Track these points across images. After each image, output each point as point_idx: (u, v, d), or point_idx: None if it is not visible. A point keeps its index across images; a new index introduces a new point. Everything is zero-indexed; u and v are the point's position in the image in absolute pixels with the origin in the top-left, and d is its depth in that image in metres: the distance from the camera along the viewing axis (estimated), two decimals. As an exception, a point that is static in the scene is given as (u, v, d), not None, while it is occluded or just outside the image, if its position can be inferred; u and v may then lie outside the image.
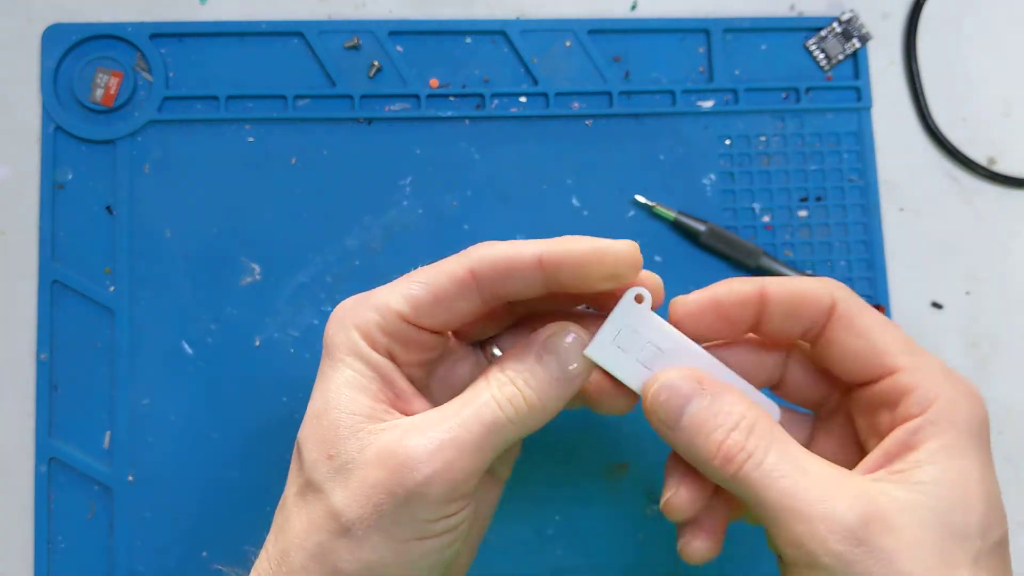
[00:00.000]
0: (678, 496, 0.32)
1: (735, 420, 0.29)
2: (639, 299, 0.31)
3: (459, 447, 0.29)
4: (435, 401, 0.32)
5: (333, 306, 0.45)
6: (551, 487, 0.45)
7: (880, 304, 0.46)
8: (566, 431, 0.45)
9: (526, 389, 0.30)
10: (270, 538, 0.31)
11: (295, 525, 0.30)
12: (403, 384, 0.31)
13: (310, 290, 0.45)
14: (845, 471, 0.29)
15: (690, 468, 0.32)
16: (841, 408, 0.33)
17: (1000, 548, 0.28)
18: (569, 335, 0.31)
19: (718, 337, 0.33)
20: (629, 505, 0.45)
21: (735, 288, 0.31)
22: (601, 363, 0.31)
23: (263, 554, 0.31)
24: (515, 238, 0.46)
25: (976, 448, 0.29)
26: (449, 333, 0.33)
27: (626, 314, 0.31)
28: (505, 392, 0.30)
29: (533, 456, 0.45)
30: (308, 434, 0.30)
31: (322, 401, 0.30)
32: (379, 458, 0.28)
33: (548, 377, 0.30)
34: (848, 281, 0.47)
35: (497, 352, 0.34)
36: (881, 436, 0.30)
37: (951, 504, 0.27)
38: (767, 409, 0.32)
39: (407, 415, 0.31)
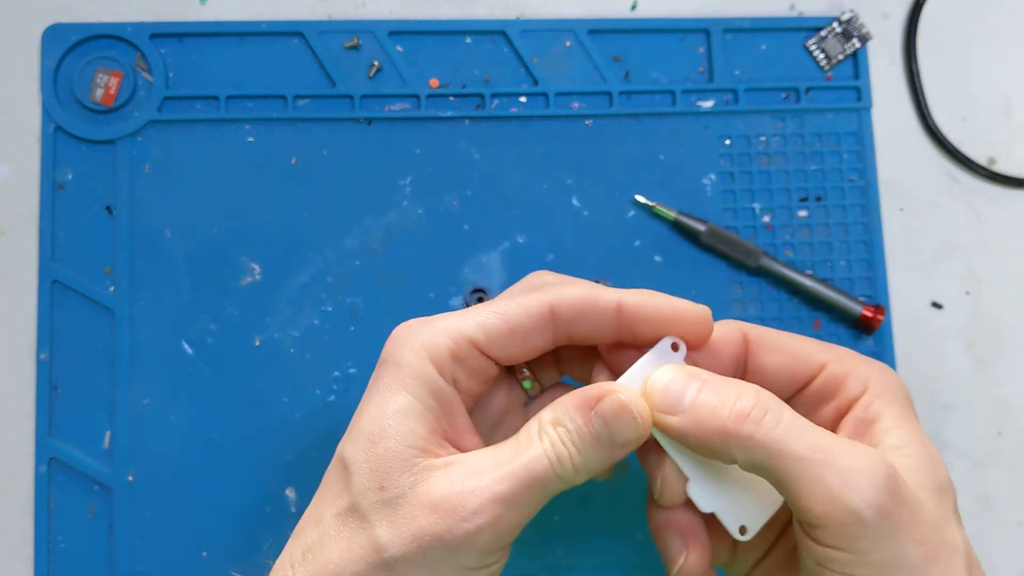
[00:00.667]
0: (689, 563, 0.32)
1: (741, 389, 0.30)
2: (675, 348, 0.32)
3: (509, 501, 0.29)
4: (475, 427, 0.32)
5: (333, 306, 0.45)
6: (551, 487, 0.45)
7: (880, 304, 0.47)
8: (566, 431, 0.45)
9: (575, 452, 0.30)
10: (296, 551, 0.31)
11: (332, 549, 0.29)
12: (460, 415, 0.31)
13: (310, 290, 0.45)
14: (838, 436, 0.29)
15: (691, 526, 0.32)
16: None
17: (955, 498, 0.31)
18: (619, 397, 0.30)
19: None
20: (629, 505, 0.45)
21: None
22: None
23: (287, 568, 0.30)
24: (515, 238, 0.46)
25: (913, 414, 0.32)
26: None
27: (659, 359, 0.32)
28: (558, 451, 0.30)
29: (533, 456, 0.45)
30: (359, 457, 0.30)
31: (378, 425, 0.30)
32: (432, 501, 0.28)
33: (598, 444, 0.30)
34: (848, 281, 0.47)
35: (527, 384, 0.35)
36: (831, 426, 0.32)
37: (926, 462, 0.29)
38: None
39: (459, 449, 0.31)
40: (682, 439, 0.30)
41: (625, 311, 0.31)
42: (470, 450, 0.31)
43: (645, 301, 0.31)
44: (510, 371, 0.35)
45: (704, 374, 0.30)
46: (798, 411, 0.30)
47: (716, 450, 0.30)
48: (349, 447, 0.31)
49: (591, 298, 0.31)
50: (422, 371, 0.30)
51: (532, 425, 0.31)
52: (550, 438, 0.30)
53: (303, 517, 0.32)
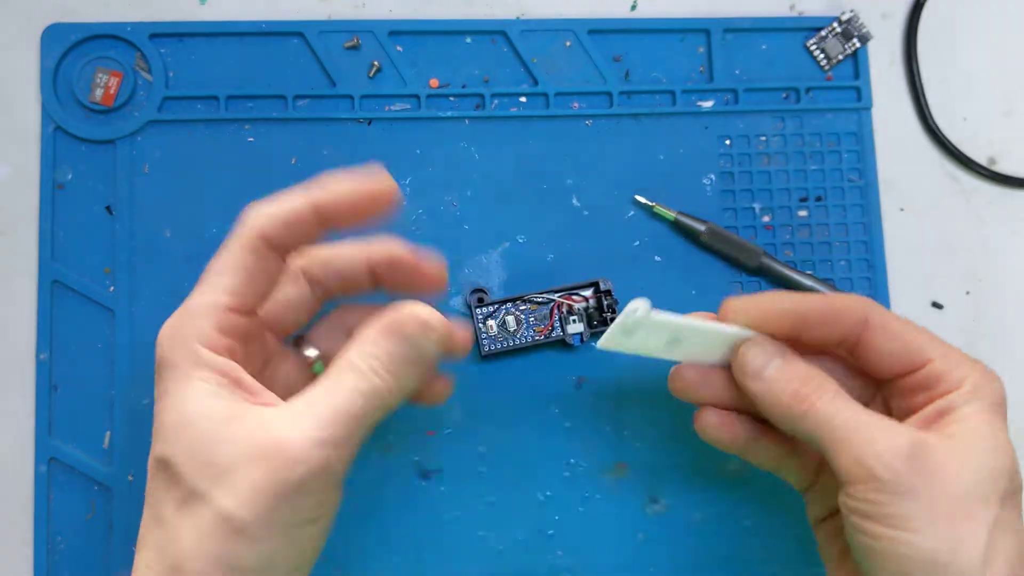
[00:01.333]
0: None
1: (805, 373, 0.35)
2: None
3: (333, 442, 0.30)
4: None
5: (333, 306, 0.45)
6: (551, 487, 0.45)
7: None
8: (566, 431, 0.45)
9: (389, 378, 0.32)
10: (150, 558, 0.31)
11: (184, 537, 0.30)
12: (249, 381, 0.32)
13: (310, 290, 0.45)
14: (894, 419, 0.34)
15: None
16: (876, 396, 0.38)
17: (1019, 495, 0.33)
18: (417, 316, 0.33)
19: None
20: (629, 505, 0.45)
21: (776, 302, 0.37)
22: (621, 349, 0.37)
23: (144, 573, 0.31)
24: (515, 238, 0.46)
25: (1001, 417, 0.34)
26: (270, 334, 0.36)
27: (630, 313, 0.36)
28: (370, 382, 0.32)
29: (533, 456, 0.45)
30: (178, 449, 0.31)
31: (179, 415, 0.31)
32: (262, 457, 0.30)
33: (410, 364, 0.32)
34: (848, 281, 0.47)
35: (311, 352, 0.37)
36: (916, 412, 0.35)
37: (985, 448, 0.32)
38: None
39: (266, 404, 0.32)
40: (757, 401, 0.36)
41: (320, 207, 0.33)
42: (278, 403, 0.32)
43: (331, 190, 0.34)
44: (297, 350, 0.38)
45: (785, 352, 0.36)
46: (895, 394, 0.37)
47: (778, 419, 0.35)
48: (162, 447, 0.31)
49: (290, 206, 0.33)
50: (198, 357, 0.31)
51: (341, 364, 0.32)
52: (360, 371, 0.32)
53: (141, 531, 0.32)
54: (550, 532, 0.44)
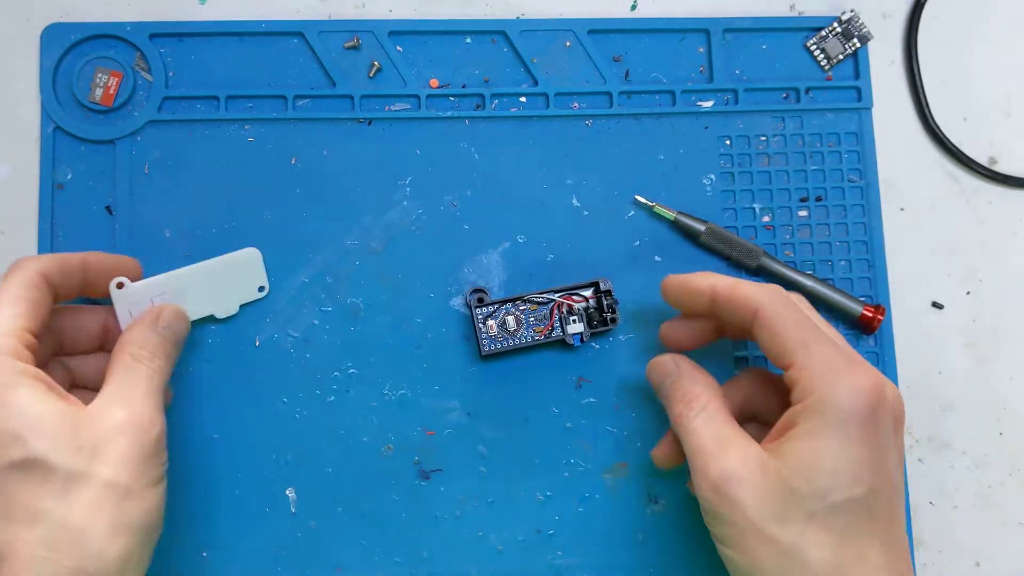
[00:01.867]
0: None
1: (686, 392, 0.39)
2: (120, 286, 0.41)
3: (160, 409, 0.38)
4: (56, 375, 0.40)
5: (334, 306, 0.45)
6: (551, 487, 0.45)
7: (880, 304, 0.46)
8: (566, 431, 0.45)
9: (163, 358, 0.39)
10: (38, 557, 0.33)
11: (75, 516, 0.34)
12: (57, 386, 0.37)
13: (310, 290, 0.45)
14: (745, 438, 0.37)
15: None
16: None
17: (842, 509, 0.34)
18: (169, 306, 0.42)
19: (689, 312, 0.42)
20: (629, 505, 0.45)
21: (695, 281, 0.40)
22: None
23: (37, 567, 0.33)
24: (515, 238, 0.46)
25: (841, 431, 0.34)
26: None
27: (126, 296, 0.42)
28: (153, 365, 0.39)
29: (533, 456, 0.45)
30: (39, 446, 0.34)
31: (26, 418, 0.34)
32: (121, 430, 0.35)
33: (173, 345, 0.41)
34: (848, 281, 0.47)
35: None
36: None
37: (796, 471, 0.34)
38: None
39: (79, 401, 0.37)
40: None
41: (88, 262, 0.41)
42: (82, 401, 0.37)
43: (72, 257, 0.40)
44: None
45: (680, 367, 0.40)
46: (769, 386, 0.41)
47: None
48: (19, 450, 0.34)
49: (62, 257, 0.39)
50: (19, 368, 0.35)
51: (122, 359, 0.38)
52: (141, 359, 0.38)
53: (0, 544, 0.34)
54: (550, 532, 0.44)
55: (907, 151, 0.50)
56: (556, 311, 0.44)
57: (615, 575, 0.44)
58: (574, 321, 0.44)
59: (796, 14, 0.50)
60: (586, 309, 0.44)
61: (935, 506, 0.47)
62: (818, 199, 0.48)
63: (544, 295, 0.44)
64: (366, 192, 0.46)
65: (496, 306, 0.44)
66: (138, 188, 0.46)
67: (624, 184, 0.47)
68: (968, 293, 0.49)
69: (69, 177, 0.46)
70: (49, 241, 0.45)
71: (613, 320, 0.44)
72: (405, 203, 0.46)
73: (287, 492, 0.44)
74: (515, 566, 0.44)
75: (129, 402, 0.37)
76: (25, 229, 0.45)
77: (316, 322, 0.45)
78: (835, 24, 0.49)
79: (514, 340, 0.44)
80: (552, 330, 0.44)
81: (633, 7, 0.49)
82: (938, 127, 0.49)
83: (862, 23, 0.49)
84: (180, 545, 0.43)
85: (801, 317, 0.37)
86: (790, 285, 0.46)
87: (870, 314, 0.46)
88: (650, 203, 0.47)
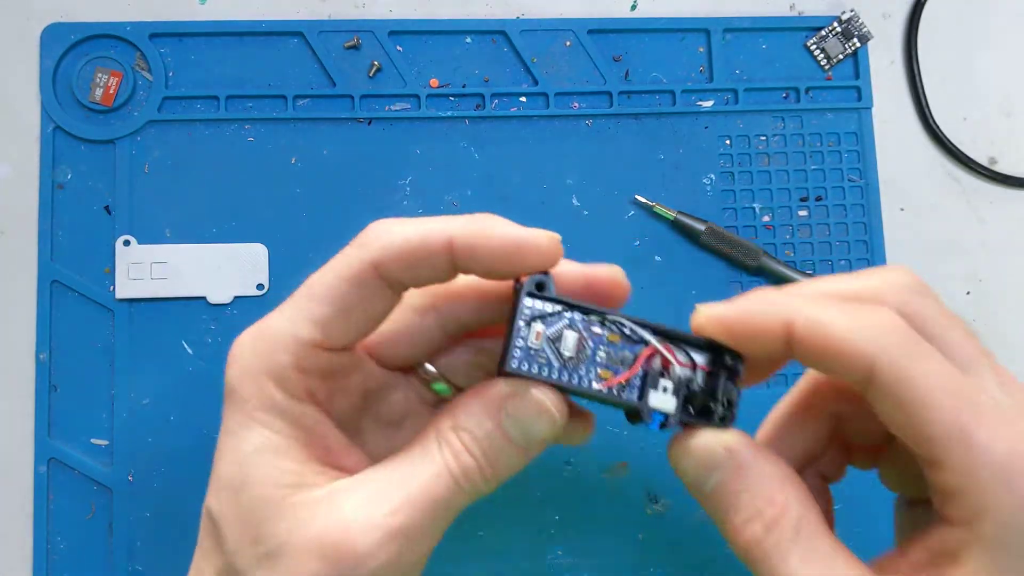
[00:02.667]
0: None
1: (758, 507, 0.25)
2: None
3: (408, 534, 0.25)
4: (369, 444, 0.29)
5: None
6: (551, 487, 0.45)
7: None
8: (566, 431, 0.45)
9: (485, 462, 0.26)
10: None
11: None
12: (332, 434, 0.27)
13: (310, 290, 0.45)
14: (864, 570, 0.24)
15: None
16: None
17: None
18: (533, 393, 0.26)
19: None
20: (629, 505, 0.45)
21: (758, 316, 0.26)
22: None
23: None
24: (515, 238, 0.46)
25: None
26: (373, 362, 0.30)
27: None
28: (463, 463, 0.26)
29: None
30: (225, 510, 0.26)
31: (238, 470, 0.26)
32: (319, 548, 0.24)
33: (510, 447, 0.26)
34: (848, 281, 0.47)
35: (429, 368, 0.30)
36: (929, 490, 0.25)
37: None
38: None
39: (342, 471, 0.27)
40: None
41: (458, 247, 0.26)
42: (356, 470, 0.27)
43: (479, 231, 0.26)
44: (411, 369, 0.31)
45: (741, 454, 0.26)
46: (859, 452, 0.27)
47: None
48: (213, 499, 0.26)
49: (416, 242, 0.26)
50: (272, 402, 0.26)
51: (430, 433, 0.26)
52: (452, 448, 0.26)
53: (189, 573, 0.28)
54: (550, 532, 0.44)
55: (907, 151, 0.50)
56: (645, 361, 0.27)
57: (615, 575, 0.44)
58: (664, 389, 0.27)
59: (796, 14, 0.50)
60: (688, 382, 0.27)
61: (935, 506, 0.47)
62: (818, 199, 0.48)
63: (637, 325, 0.27)
64: (366, 192, 0.46)
65: (557, 308, 0.27)
66: (138, 188, 0.45)
67: (624, 184, 0.47)
68: (968, 293, 0.49)
69: (69, 177, 0.46)
70: (49, 241, 0.45)
71: (723, 419, 0.27)
72: (405, 203, 0.46)
73: (287, 492, 0.44)
74: (515, 566, 0.44)
75: (372, 501, 0.25)
76: (25, 229, 0.45)
77: (316, 322, 0.45)
78: (835, 24, 0.49)
79: (561, 374, 0.27)
80: (626, 387, 0.27)
81: (633, 7, 0.49)
82: (938, 127, 0.49)
83: (862, 23, 0.49)
84: (180, 545, 0.43)
85: (947, 372, 0.24)
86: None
87: (870, 314, 0.46)
88: (650, 203, 0.47)
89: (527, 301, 0.27)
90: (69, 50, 0.46)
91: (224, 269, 0.45)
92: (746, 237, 0.47)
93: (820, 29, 0.49)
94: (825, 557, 0.24)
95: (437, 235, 0.26)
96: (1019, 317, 0.49)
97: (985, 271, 0.49)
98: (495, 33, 0.48)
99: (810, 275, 0.46)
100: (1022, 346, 0.48)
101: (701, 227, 0.46)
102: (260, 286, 0.45)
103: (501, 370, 0.26)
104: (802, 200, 0.48)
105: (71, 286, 0.45)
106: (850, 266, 0.47)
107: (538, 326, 0.27)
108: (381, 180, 0.46)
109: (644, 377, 0.27)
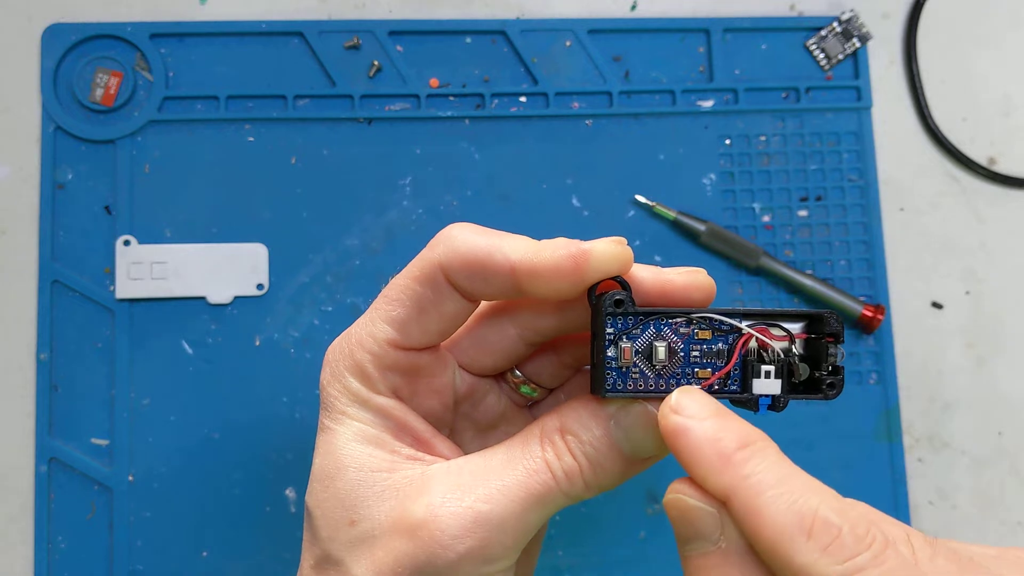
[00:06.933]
0: None
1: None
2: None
3: (499, 522, 0.25)
4: (465, 445, 0.29)
5: (333, 306, 0.45)
6: (551, 487, 0.45)
7: (880, 304, 0.46)
8: (566, 431, 0.45)
9: (588, 467, 0.26)
10: None
11: None
12: (419, 425, 0.28)
13: (310, 290, 0.45)
14: None
15: None
16: None
17: None
18: (640, 405, 0.26)
19: None
20: (629, 505, 0.45)
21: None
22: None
23: None
24: (515, 238, 0.46)
25: None
26: (456, 365, 0.30)
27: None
28: (566, 465, 0.25)
29: (533, 456, 0.45)
30: (320, 499, 0.27)
31: (331, 460, 0.27)
32: (409, 528, 0.25)
33: (618, 457, 0.26)
34: (848, 281, 0.47)
35: (517, 372, 0.30)
36: None
37: None
38: None
39: (437, 458, 0.27)
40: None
41: (519, 271, 0.26)
42: (450, 457, 0.27)
43: (537, 255, 0.26)
44: (500, 374, 0.31)
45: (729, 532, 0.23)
46: None
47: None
48: (309, 494, 0.28)
49: (485, 253, 0.26)
50: (358, 396, 0.27)
51: (533, 430, 0.26)
52: (556, 449, 0.26)
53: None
54: (550, 532, 0.44)
55: (907, 151, 0.50)
56: (741, 349, 0.27)
57: (615, 575, 0.44)
58: (767, 374, 0.26)
59: (796, 14, 0.50)
60: (788, 352, 0.27)
61: (934, 506, 0.47)
62: (818, 199, 0.48)
63: (726, 316, 0.27)
64: (366, 192, 0.46)
65: (641, 320, 0.26)
66: (138, 188, 0.46)
67: (624, 184, 0.47)
68: (968, 293, 0.49)
69: (69, 177, 0.46)
70: (49, 241, 0.45)
71: (832, 386, 0.26)
72: (405, 203, 0.46)
73: (287, 492, 0.44)
74: (515, 566, 0.44)
75: (462, 487, 0.25)
76: (25, 229, 0.45)
77: (316, 322, 0.45)
78: (835, 24, 0.49)
79: (660, 384, 0.26)
80: (730, 378, 0.27)
81: (633, 7, 0.50)
82: (938, 127, 0.49)
83: (862, 23, 0.49)
84: (180, 545, 0.43)
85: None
86: (790, 285, 0.46)
87: (870, 314, 0.46)
88: (650, 203, 0.47)
89: (609, 320, 0.26)
90: (70, 50, 0.46)
91: (224, 269, 0.45)
92: (746, 237, 0.47)
93: (820, 29, 0.49)
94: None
95: (499, 258, 0.26)
96: (1019, 317, 0.49)
97: (984, 271, 0.49)
98: (495, 33, 0.48)
99: (810, 275, 0.46)
100: (1022, 346, 0.48)
101: (701, 227, 0.46)
102: (260, 286, 0.45)
103: (598, 395, 0.26)
104: (802, 200, 0.48)
105: (71, 286, 0.45)
106: (850, 266, 0.47)
107: (625, 343, 0.26)
108: (381, 180, 0.46)
109: (744, 365, 0.26)
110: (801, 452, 0.46)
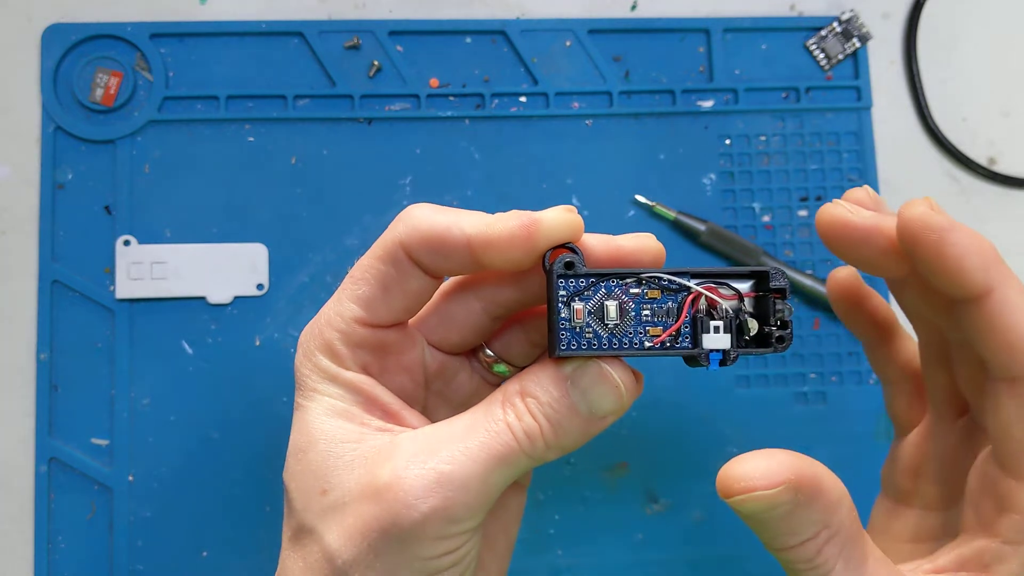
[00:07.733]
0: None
1: (815, 530, 0.26)
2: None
3: (462, 482, 0.26)
4: (434, 419, 0.30)
5: (333, 306, 0.45)
6: (551, 487, 0.45)
7: (880, 304, 0.46)
8: (566, 431, 0.45)
9: (548, 427, 0.26)
10: None
11: (291, 572, 0.27)
12: (388, 398, 0.29)
13: (310, 290, 0.45)
14: None
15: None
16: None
17: None
18: (595, 364, 0.27)
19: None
20: (629, 505, 0.45)
21: (854, 224, 0.30)
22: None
23: None
24: (515, 238, 0.46)
25: None
26: (426, 343, 0.30)
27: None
28: (526, 425, 0.26)
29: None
30: (294, 473, 0.28)
31: (304, 435, 0.28)
32: (375, 491, 0.26)
33: (576, 417, 0.27)
34: (848, 281, 0.47)
35: (488, 351, 0.31)
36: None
37: None
38: None
39: (406, 428, 0.28)
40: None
41: (474, 244, 0.27)
42: (418, 427, 0.28)
43: (491, 227, 0.27)
44: (472, 353, 0.32)
45: (801, 488, 0.27)
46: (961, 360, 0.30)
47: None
48: (285, 470, 0.29)
49: (443, 228, 0.27)
50: (327, 372, 0.28)
51: (495, 396, 0.27)
52: (516, 411, 0.27)
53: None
54: (550, 532, 0.44)
55: (907, 151, 0.50)
56: (689, 307, 0.28)
57: (615, 575, 0.44)
58: (716, 329, 0.27)
59: (796, 14, 0.50)
60: (737, 311, 0.28)
61: (935, 506, 0.47)
62: (818, 199, 0.48)
63: (674, 276, 0.27)
64: (366, 192, 0.46)
65: (592, 281, 0.27)
66: (138, 188, 0.46)
67: (624, 184, 0.47)
68: (968, 293, 0.49)
69: (69, 177, 0.46)
70: (49, 241, 0.45)
71: (781, 340, 0.27)
72: (405, 203, 0.46)
73: (287, 492, 0.44)
74: (515, 566, 0.44)
75: (426, 452, 0.26)
76: (25, 229, 0.45)
77: (316, 322, 0.45)
78: (835, 24, 0.49)
79: (612, 342, 0.27)
80: (679, 336, 0.27)
81: (633, 7, 0.50)
82: (937, 127, 0.49)
83: (862, 23, 0.49)
84: (180, 545, 0.43)
85: None
86: (790, 285, 0.46)
87: (870, 314, 0.46)
88: (650, 203, 0.47)
89: (560, 283, 0.27)
90: (70, 50, 0.46)
91: (224, 269, 0.45)
92: (746, 237, 0.47)
93: (820, 29, 0.49)
94: (864, 562, 0.26)
95: (456, 233, 0.27)
96: (1019, 317, 0.49)
97: (985, 271, 0.49)
98: (495, 33, 0.48)
99: (810, 275, 0.46)
100: (1022, 346, 0.48)
101: (701, 227, 0.46)
102: (260, 286, 0.45)
103: (553, 355, 0.27)
104: (802, 200, 0.48)
105: (71, 286, 0.45)
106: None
107: (577, 304, 0.27)
108: (381, 180, 0.46)
109: (693, 322, 0.27)
110: (800, 452, 0.45)
